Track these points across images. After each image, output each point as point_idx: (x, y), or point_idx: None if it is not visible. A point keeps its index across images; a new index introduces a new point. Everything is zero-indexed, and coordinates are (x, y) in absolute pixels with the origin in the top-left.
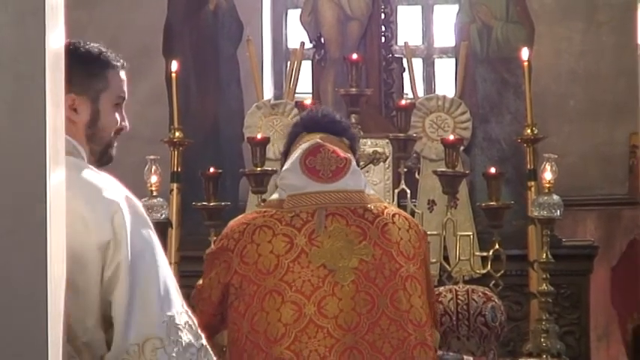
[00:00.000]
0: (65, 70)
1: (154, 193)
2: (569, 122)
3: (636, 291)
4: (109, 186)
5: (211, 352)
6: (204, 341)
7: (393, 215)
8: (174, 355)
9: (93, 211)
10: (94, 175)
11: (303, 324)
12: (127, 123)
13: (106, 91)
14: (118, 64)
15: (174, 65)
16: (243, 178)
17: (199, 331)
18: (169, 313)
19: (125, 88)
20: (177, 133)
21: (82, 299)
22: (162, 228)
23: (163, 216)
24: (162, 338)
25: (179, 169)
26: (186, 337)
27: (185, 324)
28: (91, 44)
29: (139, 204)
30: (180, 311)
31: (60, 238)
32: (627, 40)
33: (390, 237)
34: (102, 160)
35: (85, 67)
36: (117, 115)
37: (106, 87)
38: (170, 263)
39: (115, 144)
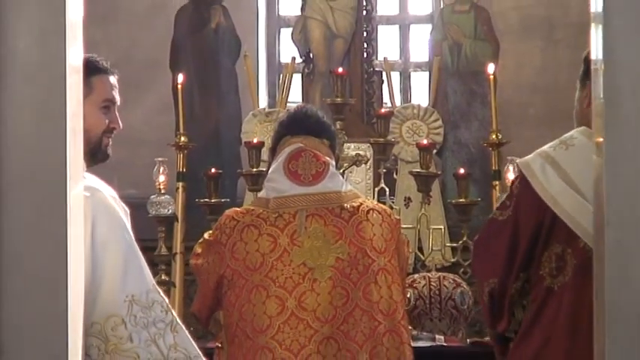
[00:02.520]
0: None
1: (162, 191)
2: (529, 128)
3: (491, 260)
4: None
5: (182, 326)
6: (174, 317)
7: (368, 212)
8: (135, 330)
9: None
10: None
11: (285, 316)
12: (119, 123)
13: (90, 96)
14: (104, 69)
15: (180, 77)
16: (241, 177)
17: (169, 307)
18: (132, 293)
19: (114, 92)
20: (182, 138)
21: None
22: (168, 222)
23: (170, 211)
24: (123, 316)
25: (184, 170)
26: (153, 313)
27: (152, 302)
28: (87, 55)
29: (109, 197)
30: (147, 290)
31: (78, 231)
32: (581, 55)
33: (364, 234)
34: (95, 158)
35: None
36: (104, 117)
37: (90, 92)
38: (175, 253)
39: (109, 143)
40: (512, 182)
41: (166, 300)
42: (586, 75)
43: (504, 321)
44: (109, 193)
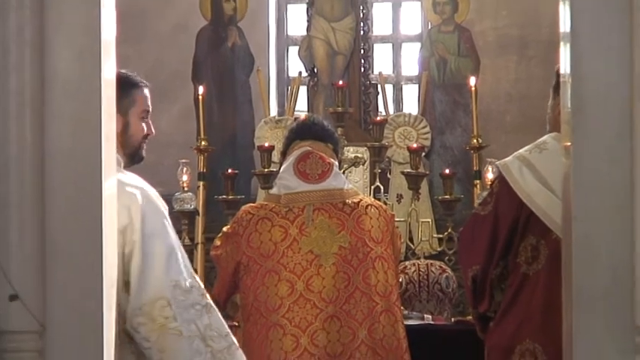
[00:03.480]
0: None
1: (185, 189)
2: (506, 134)
3: (474, 249)
4: (130, 181)
5: (216, 309)
6: (208, 301)
7: (367, 207)
8: (178, 311)
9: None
10: (120, 174)
11: (295, 297)
12: (152, 130)
13: (133, 107)
14: (142, 84)
15: (201, 89)
16: (254, 177)
17: (205, 292)
18: (176, 279)
19: (149, 102)
20: (203, 142)
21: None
22: (191, 216)
23: (192, 207)
24: (169, 298)
25: (204, 170)
26: (191, 296)
27: (191, 287)
28: (120, 70)
29: (154, 195)
30: (187, 277)
31: (112, 223)
32: (551, 69)
33: (364, 226)
34: (134, 159)
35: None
36: (143, 125)
37: (132, 104)
38: (197, 243)
39: (144, 147)
40: (493, 182)
41: (202, 285)
42: (558, 85)
43: (485, 302)
44: (152, 192)
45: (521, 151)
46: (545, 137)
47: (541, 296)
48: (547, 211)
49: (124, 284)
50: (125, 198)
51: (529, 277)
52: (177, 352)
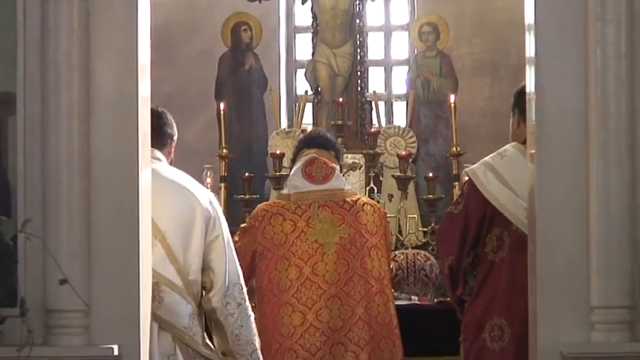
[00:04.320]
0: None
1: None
2: (481, 143)
3: (449, 242)
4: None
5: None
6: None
7: (363, 205)
8: (243, 293)
9: (199, 195)
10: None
11: (302, 280)
12: None
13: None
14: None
15: (222, 106)
16: (267, 179)
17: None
18: (238, 271)
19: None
20: (224, 150)
21: (191, 251)
22: None
23: None
24: (242, 284)
25: (225, 174)
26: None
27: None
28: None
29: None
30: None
31: (147, 219)
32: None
33: (360, 221)
34: None
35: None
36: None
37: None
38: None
39: None
40: (463, 185)
41: None
42: (515, 106)
43: (460, 287)
44: (214, 198)
45: (486, 158)
46: (506, 146)
47: (505, 279)
48: (508, 207)
49: (201, 267)
50: (205, 193)
51: (495, 264)
52: (249, 328)
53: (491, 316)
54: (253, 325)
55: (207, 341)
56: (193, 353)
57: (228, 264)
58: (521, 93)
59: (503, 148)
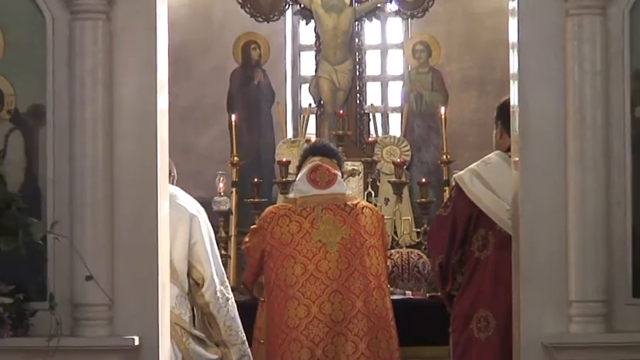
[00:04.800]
0: None
1: (222, 194)
2: (468, 151)
3: (439, 243)
4: (192, 201)
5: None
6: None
7: (363, 208)
8: (230, 291)
9: (188, 206)
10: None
11: (307, 276)
12: None
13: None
14: None
15: (234, 117)
16: (275, 184)
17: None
18: (224, 272)
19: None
20: (235, 158)
21: (175, 246)
22: (226, 214)
23: (227, 207)
24: (227, 283)
25: (236, 179)
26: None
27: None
28: None
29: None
30: None
31: (165, 220)
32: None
33: (360, 222)
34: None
35: None
36: None
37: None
38: (231, 235)
39: None
40: (451, 189)
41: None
42: (498, 118)
43: (449, 283)
44: (202, 210)
45: (472, 165)
46: (490, 154)
47: (490, 276)
48: (492, 208)
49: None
50: (194, 206)
51: (481, 261)
52: (237, 321)
53: (478, 309)
54: (239, 319)
55: (196, 332)
56: (182, 332)
57: (214, 264)
58: (503, 106)
59: (487, 156)
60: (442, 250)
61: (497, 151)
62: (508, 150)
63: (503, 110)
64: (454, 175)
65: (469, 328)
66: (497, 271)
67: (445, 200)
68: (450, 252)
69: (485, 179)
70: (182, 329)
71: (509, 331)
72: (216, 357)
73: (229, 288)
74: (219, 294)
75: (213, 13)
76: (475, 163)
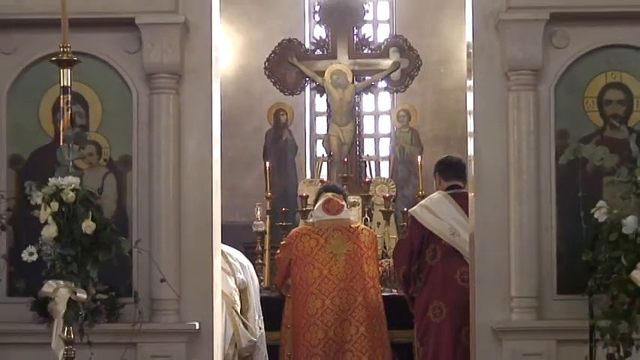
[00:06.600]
0: None
1: (259, 219)
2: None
3: (402, 258)
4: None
5: None
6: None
7: (362, 229)
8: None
9: (241, 260)
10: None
11: (322, 278)
12: None
13: None
14: None
15: (268, 164)
16: (297, 212)
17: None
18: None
19: None
20: (269, 193)
21: (229, 285)
22: (262, 234)
23: (262, 229)
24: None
25: (270, 209)
26: None
27: None
28: None
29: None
30: None
31: (218, 242)
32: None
33: (360, 239)
34: None
35: None
36: None
37: None
38: (265, 249)
39: None
40: (408, 220)
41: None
42: (435, 172)
43: (411, 287)
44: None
45: (422, 201)
46: (434, 194)
47: (440, 276)
48: (438, 229)
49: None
50: (244, 260)
51: (432, 267)
52: (263, 347)
53: (433, 301)
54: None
55: (243, 318)
56: (235, 314)
57: (256, 297)
58: (439, 164)
59: (431, 195)
60: (404, 263)
61: (438, 191)
62: (445, 190)
63: (440, 166)
64: (409, 210)
65: (427, 316)
66: (445, 273)
67: (405, 228)
68: (410, 263)
69: (432, 209)
70: (235, 312)
71: (457, 316)
72: (255, 339)
73: (261, 320)
74: (258, 320)
75: (253, 88)
76: (424, 200)
